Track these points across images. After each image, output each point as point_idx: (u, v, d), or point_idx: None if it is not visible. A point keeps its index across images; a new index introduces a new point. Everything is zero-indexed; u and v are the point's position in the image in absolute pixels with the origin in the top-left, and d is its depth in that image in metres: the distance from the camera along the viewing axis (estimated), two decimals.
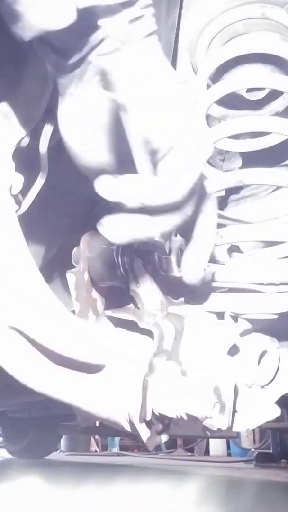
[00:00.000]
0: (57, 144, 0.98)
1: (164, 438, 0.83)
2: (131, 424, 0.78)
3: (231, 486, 2.91)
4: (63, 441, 5.74)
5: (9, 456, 4.46)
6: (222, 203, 1.30)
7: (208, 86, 0.99)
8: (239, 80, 0.94)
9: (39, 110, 0.86)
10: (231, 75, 1.05)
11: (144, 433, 0.78)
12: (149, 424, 0.78)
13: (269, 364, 0.98)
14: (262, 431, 4.94)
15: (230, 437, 5.10)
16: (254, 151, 1.10)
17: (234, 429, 0.88)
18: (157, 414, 0.76)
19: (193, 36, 1.07)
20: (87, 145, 0.70)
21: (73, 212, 1.41)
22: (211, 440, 5.87)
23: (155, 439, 0.80)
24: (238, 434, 5.07)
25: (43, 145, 0.94)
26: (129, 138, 0.64)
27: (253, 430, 4.96)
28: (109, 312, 0.89)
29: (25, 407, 3.45)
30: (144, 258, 0.88)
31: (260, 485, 2.92)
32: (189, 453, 5.88)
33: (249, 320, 0.94)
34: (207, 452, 5.96)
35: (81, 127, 0.69)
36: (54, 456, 4.71)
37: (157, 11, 0.98)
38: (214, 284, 0.94)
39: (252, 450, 4.89)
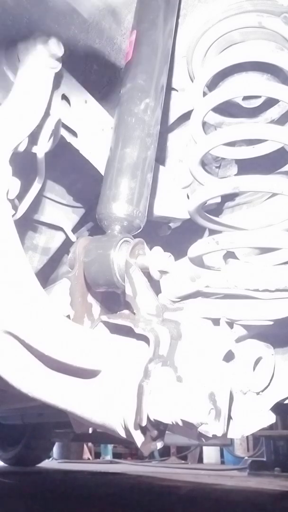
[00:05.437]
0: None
1: (159, 445, 0.82)
2: (126, 430, 0.77)
3: (224, 494, 2.90)
4: (55, 449, 5.70)
5: (0, 463, 4.42)
6: (218, 209, 1.31)
7: (204, 94, 1.00)
8: (235, 88, 0.94)
9: (38, 115, 0.86)
10: (227, 83, 1.06)
11: (139, 439, 0.77)
12: (144, 430, 0.77)
13: (264, 371, 0.98)
14: (256, 439, 4.93)
15: (224, 444, 5.08)
16: (250, 159, 1.11)
17: (229, 436, 0.87)
18: (152, 420, 0.75)
19: (190, 44, 1.08)
20: None
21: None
22: (204, 448, 5.85)
23: (150, 446, 0.80)
24: (232, 441, 5.07)
25: (41, 150, 0.95)
26: None
27: (247, 438, 4.96)
28: (104, 318, 0.88)
29: (17, 414, 3.42)
30: None
31: (253, 493, 2.90)
32: (183, 461, 5.85)
33: (244, 327, 0.94)
34: (200, 460, 5.94)
35: None
36: (46, 463, 4.68)
37: (155, 19, 1.00)
38: (209, 290, 0.94)
39: (246, 458, 4.88)
